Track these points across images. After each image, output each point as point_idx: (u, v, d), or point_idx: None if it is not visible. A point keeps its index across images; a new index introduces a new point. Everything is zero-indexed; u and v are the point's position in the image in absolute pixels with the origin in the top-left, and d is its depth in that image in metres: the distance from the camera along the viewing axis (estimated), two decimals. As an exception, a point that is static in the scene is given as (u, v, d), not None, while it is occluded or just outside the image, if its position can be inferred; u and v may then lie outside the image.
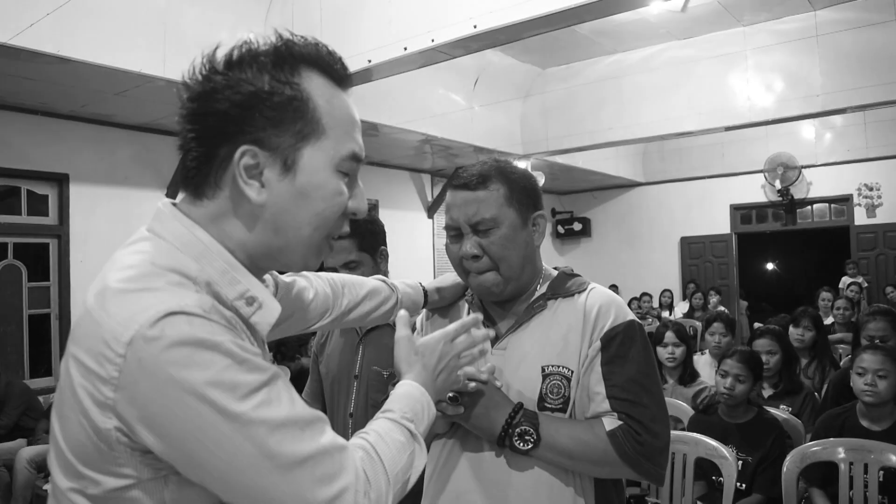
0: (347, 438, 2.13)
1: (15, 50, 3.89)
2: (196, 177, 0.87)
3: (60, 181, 5.56)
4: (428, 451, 1.48)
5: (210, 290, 0.84)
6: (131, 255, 0.84)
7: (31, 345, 5.47)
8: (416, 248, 8.82)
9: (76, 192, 5.61)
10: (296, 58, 0.87)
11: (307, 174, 0.87)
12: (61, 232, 5.54)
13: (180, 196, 0.91)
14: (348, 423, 2.17)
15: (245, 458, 0.75)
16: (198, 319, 0.75)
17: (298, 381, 3.20)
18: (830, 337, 5.13)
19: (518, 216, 1.37)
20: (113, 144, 5.83)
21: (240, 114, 0.83)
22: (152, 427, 0.74)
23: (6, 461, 4.49)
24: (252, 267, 0.90)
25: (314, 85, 0.88)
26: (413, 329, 1.64)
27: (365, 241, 2.07)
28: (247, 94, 0.83)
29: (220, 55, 0.87)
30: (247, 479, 0.76)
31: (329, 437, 0.82)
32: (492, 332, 1.30)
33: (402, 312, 1.22)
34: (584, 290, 1.43)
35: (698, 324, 6.89)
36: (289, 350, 6.50)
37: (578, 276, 1.49)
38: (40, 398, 5.12)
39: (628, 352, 1.34)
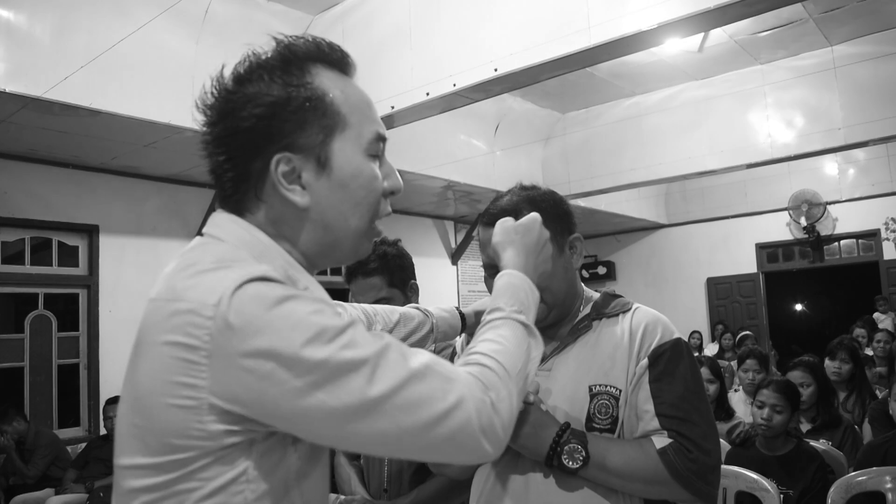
0: (384, 472, 2.06)
1: (48, 103, 4.04)
2: (234, 195, 0.89)
3: (90, 232, 5.67)
4: (475, 475, 1.45)
5: None
6: (190, 253, 0.85)
7: (60, 395, 5.51)
8: (441, 295, 8.79)
9: (106, 242, 5.71)
10: (301, 57, 0.89)
11: (342, 166, 0.89)
12: (91, 282, 5.62)
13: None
14: (384, 459, 2.13)
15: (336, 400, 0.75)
16: (278, 284, 0.77)
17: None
18: (874, 370, 5.00)
19: (554, 244, 1.32)
20: (142, 196, 5.96)
21: (265, 125, 0.85)
22: (247, 386, 0.73)
23: (35, 511, 4.48)
24: (308, 267, 0.92)
25: (325, 79, 0.90)
26: (454, 353, 1.63)
27: (395, 277, 2.00)
28: (267, 104, 0.85)
29: (228, 73, 0.89)
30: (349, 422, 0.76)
31: (427, 356, 0.81)
32: None
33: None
34: (629, 309, 1.44)
35: (728, 364, 6.77)
36: None
37: (621, 296, 1.49)
38: (68, 448, 5.13)
39: (676, 369, 1.33)
